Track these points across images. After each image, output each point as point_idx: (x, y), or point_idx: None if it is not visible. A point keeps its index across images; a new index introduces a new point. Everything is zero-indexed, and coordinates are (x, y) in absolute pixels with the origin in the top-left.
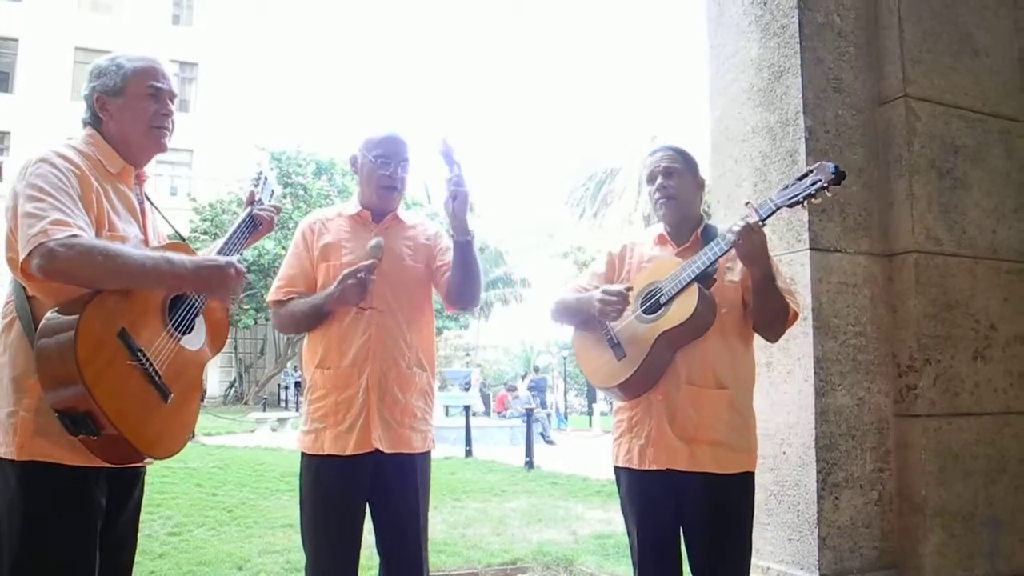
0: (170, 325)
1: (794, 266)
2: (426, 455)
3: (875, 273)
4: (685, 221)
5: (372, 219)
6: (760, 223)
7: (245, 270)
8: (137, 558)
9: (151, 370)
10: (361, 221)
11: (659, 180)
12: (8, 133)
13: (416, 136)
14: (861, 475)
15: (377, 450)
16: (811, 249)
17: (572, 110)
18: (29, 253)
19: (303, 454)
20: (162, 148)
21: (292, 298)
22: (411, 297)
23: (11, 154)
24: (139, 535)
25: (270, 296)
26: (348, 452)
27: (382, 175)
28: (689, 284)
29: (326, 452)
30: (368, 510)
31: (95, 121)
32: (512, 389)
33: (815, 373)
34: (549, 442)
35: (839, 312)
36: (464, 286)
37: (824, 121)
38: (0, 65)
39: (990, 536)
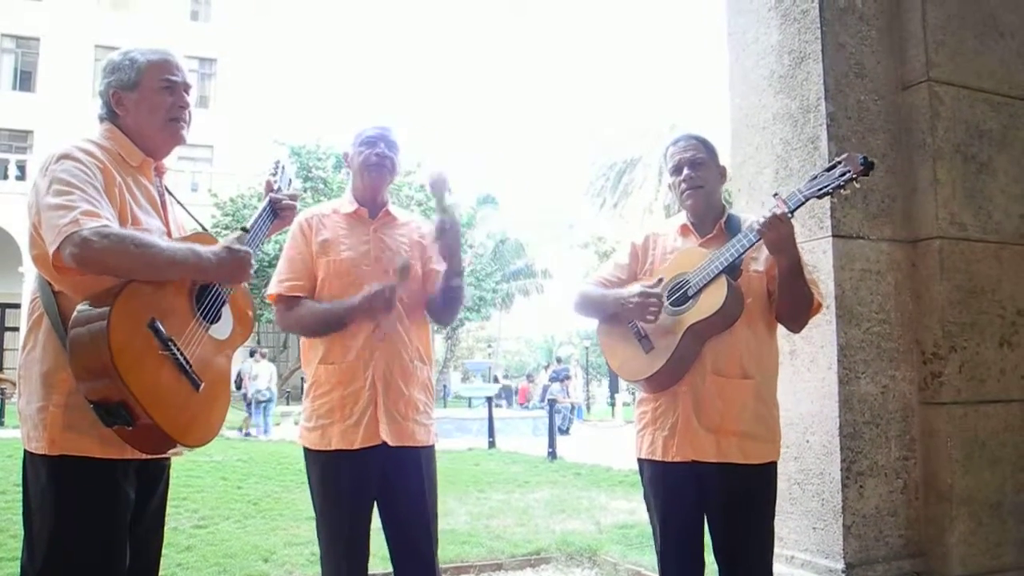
0: (198, 315)
1: (816, 253)
2: (430, 449)
3: (899, 260)
4: (709, 211)
5: (369, 215)
6: (789, 214)
7: (253, 261)
8: (164, 551)
9: (182, 359)
10: (357, 218)
11: (686, 171)
12: (31, 132)
13: (437, 128)
14: (886, 463)
15: (384, 443)
16: (834, 236)
17: (591, 100)
18: (61, 243)
19: (308, 450)
20: (180, 140)
21: (297, 295)
22: (410, 292)
23: (34, 152)
24: (166, 528)
25: (272, 290)
26: (356, 446)
27: (368, 153)
28: (717, 276)
29: (334, 448)
30: (376, 505)
31: (112, 116)
32: (532, 379)
33: (838, 361)
34: (564, 433)
35: (862, 299)
36: (443, 314)
37: (846, 107)
38: (23, 64)
39: (1018, 524)
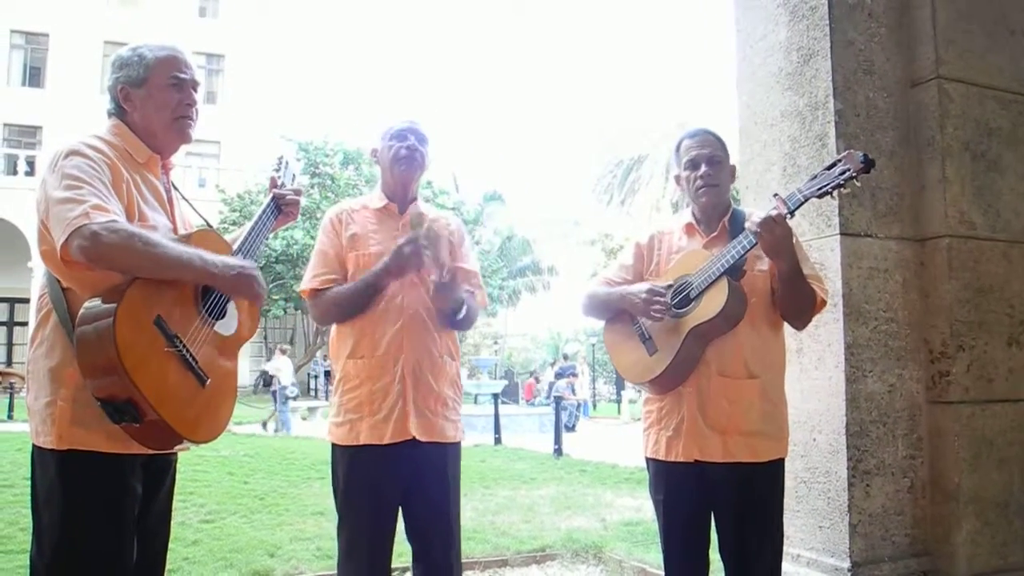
0: (203, 311)
1: (824, 251)
2: (457, 445)
3: (907, 258)
4: (717, 208)
5: (398, 211)
6: (787, 215)
7: (259, 276)
8: (171, 545)
9: (188, 356)
10: (387, 213)
11: (703, 168)
12: (40, 127)
13: (444, 126)
14: (893, 462)
15: (413, 438)
16: (841, 234)
17: (599, 97)
18: (69, 236)
19: (335, 445)
20: (187, 139)
21: (329, 287)
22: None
23: (44, 148)
24: (173, 522)
25: (305, 285)
26: (386, 441)
27: (398, 147)
28: (719, 278)
29: (362, 442)
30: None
31: (120, 112)
32: (537, 379)
33: (846, 359)
34: (570, 430)
35: (870, 298)
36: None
37: (854, 104)
38: (32, 60)
39: None
